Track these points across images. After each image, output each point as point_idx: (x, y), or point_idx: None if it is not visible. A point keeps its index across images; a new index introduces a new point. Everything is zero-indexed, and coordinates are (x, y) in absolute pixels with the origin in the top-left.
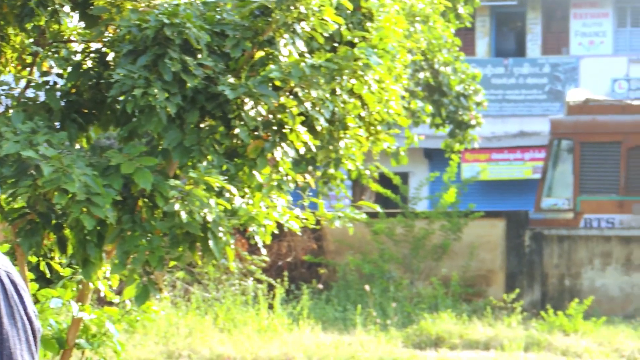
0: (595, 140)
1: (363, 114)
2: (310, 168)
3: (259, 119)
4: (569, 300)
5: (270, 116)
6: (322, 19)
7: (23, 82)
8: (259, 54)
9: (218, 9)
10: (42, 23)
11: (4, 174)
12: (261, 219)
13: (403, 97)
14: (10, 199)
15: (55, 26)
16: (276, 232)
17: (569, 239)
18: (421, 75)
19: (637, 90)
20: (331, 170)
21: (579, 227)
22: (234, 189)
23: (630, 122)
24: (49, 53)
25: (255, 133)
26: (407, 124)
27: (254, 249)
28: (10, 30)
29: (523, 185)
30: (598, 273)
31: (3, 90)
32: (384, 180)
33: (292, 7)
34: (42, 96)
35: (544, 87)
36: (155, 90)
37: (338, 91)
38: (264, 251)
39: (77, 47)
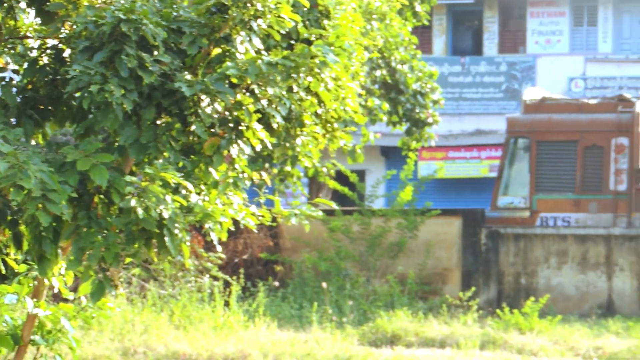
0: (551, 139)
1: (320, 111)
2: (267, 165)
3: (216, 116)
4: (524, 299)
5: (227, 113)
6: (279, 16)
7: None
8: (216, 51)
9: (175, 6)
10: None
11: None
12: (217, 216)
13: (360, 95)
14: None
15: (12, 22)
16: (232, 229)
17: (525, 238)
18: (378, 73)
19: (594, 89)
20: (288, 168)
21: (535, 225)
22: (190, 186)
23: (587, 121)
24: (5, 49)
25: (212, 130)
26: (363, 122)
27: (210, 246)
28: None
29: (480, 183)
30: (554, 272)
31: None
32: (340, 177)
33: (248, 4)
34: None
35: (501, 86)
36: (112, 87)
37: (295, 88)
38: (219, 248)
39: (34, 43)
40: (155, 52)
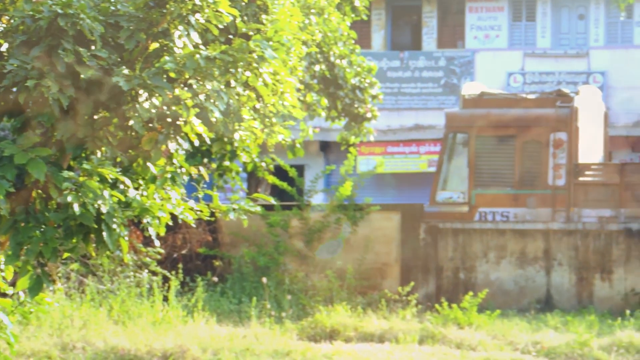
0: (490, 134)
1: (258, 106)
2: (205, 160)
3: (153, 110)
4: (463, 294)
5: (165, 108)
6: (217, 11)
7: None
8: (154, 45)
9: (112, 0)
10: None
11: None
12: (155, 211)
13: (298, 90)
14: None
15: None
16: (171, 224)
17: (464, 233)
18: (317, 67)
19: (532, 84)
20: (226, 163)
21: (474, 220)
22: (128, 181)
23: (525, 116)
24: None
25: (150, 125)
26: (302, 117)
27: (148, 241)
28: None
29: (418, 178)
30: (493, 266)
31: None
32: (279, 172)
33: None
34: None
35: (440, 81)
36: (49, 82)
37: (233, 83)
38: (158, 243)
39: None
40: (93, 47)
